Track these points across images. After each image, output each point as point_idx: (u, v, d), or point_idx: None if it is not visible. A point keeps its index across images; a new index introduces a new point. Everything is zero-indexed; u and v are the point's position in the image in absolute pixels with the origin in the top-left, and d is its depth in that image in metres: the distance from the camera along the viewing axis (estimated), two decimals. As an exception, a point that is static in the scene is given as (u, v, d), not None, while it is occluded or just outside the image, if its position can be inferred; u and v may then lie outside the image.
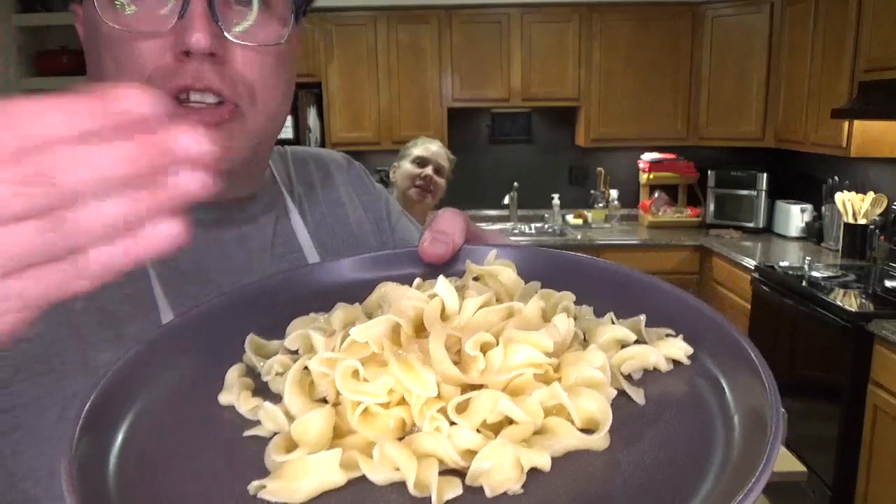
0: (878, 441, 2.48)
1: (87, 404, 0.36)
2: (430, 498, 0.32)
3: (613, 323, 0.45)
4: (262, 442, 0.37)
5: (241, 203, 0.67)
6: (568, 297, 0.46)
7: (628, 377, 0.41)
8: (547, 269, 0.51)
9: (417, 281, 0.47)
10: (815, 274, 2.91)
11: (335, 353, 0.39)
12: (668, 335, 0.44)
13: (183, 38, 0.53)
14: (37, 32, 3.42)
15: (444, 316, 0.42)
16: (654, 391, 0.40)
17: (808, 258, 3.13)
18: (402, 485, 0.34)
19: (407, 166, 2.49)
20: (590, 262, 0.52)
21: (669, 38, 4.08)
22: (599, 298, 0.48)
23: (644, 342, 0.43)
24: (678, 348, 0.42)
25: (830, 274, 2.93)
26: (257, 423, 0.39)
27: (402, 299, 0.42)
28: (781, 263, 3.16)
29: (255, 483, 0.34)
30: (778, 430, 0.32)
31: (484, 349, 0.38)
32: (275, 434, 0.37)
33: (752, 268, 3.28)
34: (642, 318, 0.44)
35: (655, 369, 0.42)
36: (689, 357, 0.42)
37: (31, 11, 3.33)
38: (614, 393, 0.38)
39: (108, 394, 0.38)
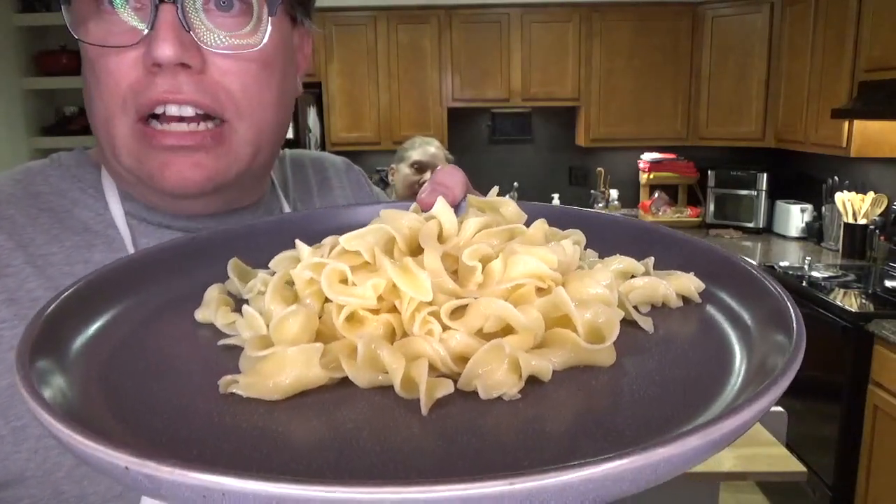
0: (878, 441, 2.48)
1: (49, 309, 0.34)
2: (418, 400, 0.29)
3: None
4: (240, 353, 0.34)
5: (240, 212, 0.66)
6: (577, 234, 0.44)
7: (635, 309, 0.38)
8: (553, 221, 0.48)
9: (414, 205, 0.45)
10: (815, 274, 2.91)
11: (322, 259, 0.35)
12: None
13: (151, 49, 0.51)
14: (37, 32, 3.42)
15: (441, 239, 0.38)
16: (665, 323, 0.37)
17: (808, 258, 3.13)
18: (387, 387, 0.30)
19: (405, 171, 2.44)
20: (597, 215, 0.51)
21: (669, 38, 4.07)
22: (607, 249, 0.45)
23: None
24: (689, 282, 0.40)
25: (830, 274, 2.93)
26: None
27: (399, 219, 0.39)
28: (781, 263, 3.16)
29: (227, 378, 0.31)
30: (800, 345, 0.30)
31: (483, 263, 0.35)
32: None
33: (752, 268, 3.27)
34: (650, 259, 0.42)
35: (665, 305, 0.39)
36: (703, 295, 0.40)
37: (31, 11, 3.33)
38: (620, 314, 0.35)
39: (73, 301, 0.36)
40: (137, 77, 0.53)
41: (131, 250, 0.59)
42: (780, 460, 1.76)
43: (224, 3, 0.54)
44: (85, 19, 0.54)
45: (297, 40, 0.63)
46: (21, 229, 0.57)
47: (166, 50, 0.51)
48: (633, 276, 0.41)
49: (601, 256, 0.44)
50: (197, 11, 0.53)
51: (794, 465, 1.75)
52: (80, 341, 0.35)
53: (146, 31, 0.52)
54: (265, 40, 0.56)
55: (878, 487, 2.49)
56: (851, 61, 3.08)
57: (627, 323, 0.36)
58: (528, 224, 0.41)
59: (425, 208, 0.46)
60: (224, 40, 0.54)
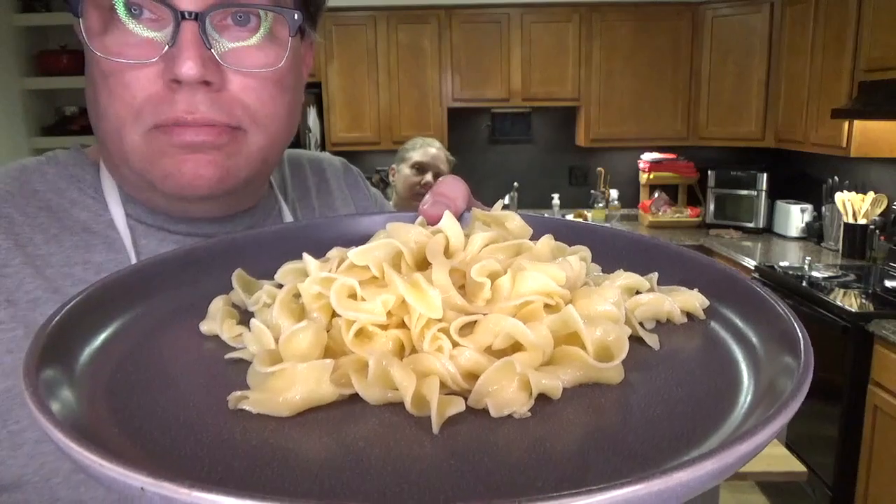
0: (878, 441, 2.48)
1: (54, 321, 0.33)
2: (428, 418, 0.29)
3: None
4: (246, 366, 0.34)
5: (240, 214, 0.66)
6: (583, 250, 0.44)
7: (640, 325, 0.38)
8: (555, 234, 0.48)
9: (420, 218, 0.45)
10: (815, 274, 2.91)
11: (331, 273, 0.35)
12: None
13: (173, 66, 0.50)
14: (37, 32, 3.42)
15: (448, 253, 0.38)
16: (670, 339, 0.38)
17: (808, 258, 3.13)
18: (397, 404, 0.30)
19: (406, 172, 2.43)
20: (602, 230, 0.51)
21: (669, 38, 4.07)
22: (611, 262, 0.45)
23: None
24: (693, 299, 0.40)
25: (830, 274, 2.93)
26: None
27: (405, 233, 0.39)
28: (781, 263, 3.16)
29: (237, 393, 0.30)
30: (809, 365, 0.30)
31: (491, 279, 0.35)
32: None
33: (753, 268, 3.27)
34: (654, 274, 0.42)
35: (669, 321, 0.39)
36: (707, 312, 0.40)
37: (31, 11, 3.33)
38: (628, 331, 0.35)
39: (77, 313, 0.35)
40: (155, 91, 0.52)
41: (131, 252, 0.59)
42: (780, 460, 1.77)
43: (240, 17, 0.54)
44: (100, 31, 0.53)
45: (303, 51, 0.64)
46: (20, 228, 0.56)
47: (191, 68, 0.50)
48: (637, 292, 0.41)
49: (604, 271, 0.44)
50: (216, 28, 0.53)
51: (794, 465, 1.75)
52: (85, 354, 0.34)
53: (167, 47, 0.51)
54: (284, 59, 0.55)
55: (878, 487, 2.50)
56: (851, 61, 3.08)
57: (633, 339, 0.36)
58: (533, 238, 0.41)
59: (430, 220, 0.46)
60: (245, 58, 0.54)
